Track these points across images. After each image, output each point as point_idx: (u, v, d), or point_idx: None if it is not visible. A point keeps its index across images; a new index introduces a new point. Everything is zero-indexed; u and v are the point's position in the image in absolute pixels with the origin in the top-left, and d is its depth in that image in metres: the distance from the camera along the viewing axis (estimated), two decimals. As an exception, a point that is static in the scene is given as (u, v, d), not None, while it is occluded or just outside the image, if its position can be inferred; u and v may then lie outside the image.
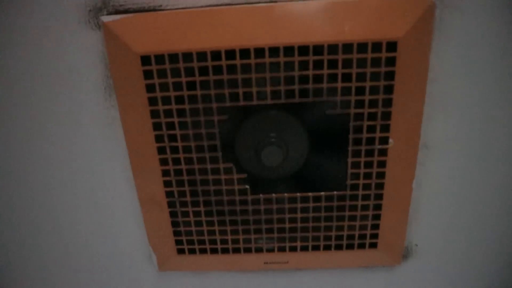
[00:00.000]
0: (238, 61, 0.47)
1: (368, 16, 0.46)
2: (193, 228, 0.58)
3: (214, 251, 0.60)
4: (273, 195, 0.55)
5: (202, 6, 0.47)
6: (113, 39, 0.48)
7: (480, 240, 0.60)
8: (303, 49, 0.47)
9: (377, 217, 0.56)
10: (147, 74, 0.49)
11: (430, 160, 0.55)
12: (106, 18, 0.48)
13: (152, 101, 0.50)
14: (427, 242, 0.61)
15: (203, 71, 0.48)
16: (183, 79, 0.49)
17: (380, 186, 0.54)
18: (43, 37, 0.50)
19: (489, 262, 0.62)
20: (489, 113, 0.52)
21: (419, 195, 0.57)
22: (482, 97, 0.51)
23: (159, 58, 0.48)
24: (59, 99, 0.53)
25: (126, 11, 0.48)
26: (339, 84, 0.48)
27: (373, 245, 0.58)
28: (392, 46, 0.46)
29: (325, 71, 0.48)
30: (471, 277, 0.63)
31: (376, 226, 0.57)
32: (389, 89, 0.49)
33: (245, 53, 0.47)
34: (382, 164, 0.53)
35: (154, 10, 0.48)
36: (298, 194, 0.55)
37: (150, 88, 0.49)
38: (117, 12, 0.48)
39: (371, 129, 0.51)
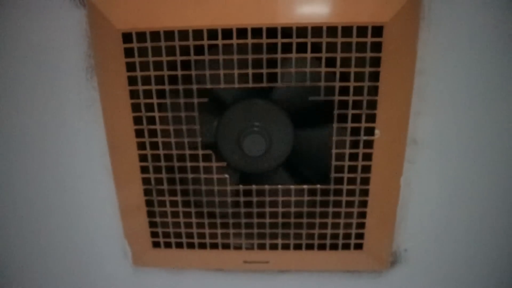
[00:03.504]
0: (220, 41, 0.46)
1: (354, -1, 0.45)
2: (170, 220, 0.56)
3: (190, 245, 0.57)
4: (253, 186, 0.53)
5: (186, -14, 0.47)
6: (96, 15, 0.47)
7: (474, 245, 0.56)
8: (287, 31, 0.46)
9: (362, 215, 0.53)
10: (128, 52, 0.48)
11: (419, 157, 0.53)
12: (90, -5, 0.47)
13: (132, 81, 0.49)
14: (417, 247, 0.57)
15: (185, 51, 0.47)
16: (164, 58, 0.48)
17: (366, 181, 0.51)
18: (26, 14, 0.50)
19: (484, 269, 0.57)
20: (481, 107, 0.50)
21: (408, 195, 0.54)
22: (474, 90, 0.49)
23: (141, 36, 0.47)
24: (40, 78, 0.52)
25: (111, -11, 0.48)
26: (323, 69, 0.47)
27: (359, 246, 0.55)
28: (378, 30, 0.45)
29: (309, 55, 0.46)
30: (465, 285, 0.59)
31: (361, 225, 0.54)
32: (375, 76, 0.47)
33: (227, 33, 0.46)
34: (368, 157, 0.50)
35: (139, -12, 0.48)
36: (280, 187, 0.53)
37: (130, 66, 0.48)
38: (102, -10, 0.48)
39: (357, 119, 0.49)
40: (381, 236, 0.55)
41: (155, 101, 0.50)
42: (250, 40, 0.46)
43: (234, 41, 0.46)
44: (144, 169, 0.53)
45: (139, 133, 0.51)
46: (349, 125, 0.49)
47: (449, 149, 0.52)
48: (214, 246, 0.57)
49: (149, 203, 0.55)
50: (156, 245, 0.58)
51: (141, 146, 0.52)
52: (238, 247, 0.57)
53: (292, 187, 0.52)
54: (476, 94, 0.50)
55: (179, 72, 0.48)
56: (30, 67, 0.52)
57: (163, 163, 0.53)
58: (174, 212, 0.55)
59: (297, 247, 0.56)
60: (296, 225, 0.55)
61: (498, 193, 0.54)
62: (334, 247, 0.55)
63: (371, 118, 0.48)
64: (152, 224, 0.57)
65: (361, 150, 0.50)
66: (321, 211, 0.54)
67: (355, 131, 0.50)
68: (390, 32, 0.45)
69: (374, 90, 0.47)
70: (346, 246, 0.55)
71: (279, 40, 0.46)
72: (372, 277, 0.59)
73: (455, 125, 0.51)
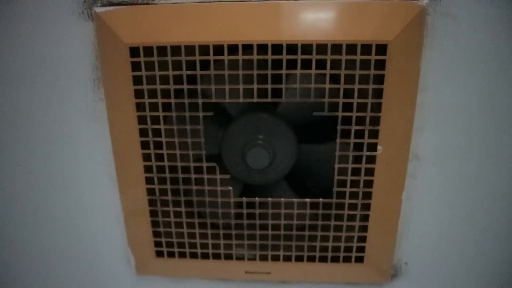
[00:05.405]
0: (226, 57, 0.47)
1: (358, 17, 0.45)
2: (173, 230, 0.56)
3: (193, 255, 0.58)
4: (256, 199, 0.54)
5: (193, 2, 0.48)
6: (104, 29, 0.48)
7: (475, 259, 0.57)
8: (292, 48, 0.46)
9: (364, 228, 0.54)
10: (135, 66, 0.48)
11: (421, 173, 0.53)
12: (99, 9, 0.48)
13: (138, 94, 0.50)
14: (418, 260, 0.58)
15: (191, 65, 0.48)
16: (170, 73, 0.48)
17: (368, 195, 0.52)
18: (36, 26, 0.50)
19: (485, 283, 0.58)
20: (483, 123, 0.50)
21: (409, 209, 0.55)
22: (476, 107, 0.50)
23: (148, 50, 0.48)
24: (48, 89, 0.53)
25: (119, 4, 0.49)
26: (327, 85, 0.48)
27: (359, 259, 0.56)
28: (382, 48, 0.45)
29: (313, 71, 0.47)
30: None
31: (362, 239, 0.54)
32: (378, 93, 0.47)
33: (233, 49, 0.47)
34: (370, 172, 0.51)
35: (147, 3, 0.49)
36: (282, 200, 0.53)
37: (137, 80, 0.49)
38: (110, 4, 0.49)
39: (360, 134, 0.49)
40: (382, 249, 0.55)
41: (161, 114, 0.50)
42: (255, 56, 0.47)
43: (240, 56, 0.47)
44: (149, 180, 0.54)
45: (144, 145, 0.52)
46: (352, 140, 0.50)
47: (451, 165, 0.53)
48: (216, 256, 0.58)
49: (153, 213, 0.56)
50: (159, 254, 0.59)
51: (147, 157, 0.53)
52: (240, 258, 0.58)
53: (295, 200, 0.53)
54: (478, 111, 0.50)
55: (185, 86, 0.49)
56: (37, 78, 0.53)
57: (167, 174, 0.53)
58: (178, 223, 0.56)
59: (299, 259, 0.56)
60: (298, 238, 0.55)
61: (499, 209, 0.54)
62: (335, 259, 0.56)
63: (374, 134, 0.49)
64: (156, 234, 0.57)
65: (363, 165, 0.50)
66: (323, 224, 0.54)
67: (358, 146, 0.50)
68: (394, 50, 0.45)
69: (377, 107, 0.48)
70: (347, 259, 0.56)
71: (284, 57, 0.46)
72: (372, 289, 0.60)
73: (457, 141, 0.52)
